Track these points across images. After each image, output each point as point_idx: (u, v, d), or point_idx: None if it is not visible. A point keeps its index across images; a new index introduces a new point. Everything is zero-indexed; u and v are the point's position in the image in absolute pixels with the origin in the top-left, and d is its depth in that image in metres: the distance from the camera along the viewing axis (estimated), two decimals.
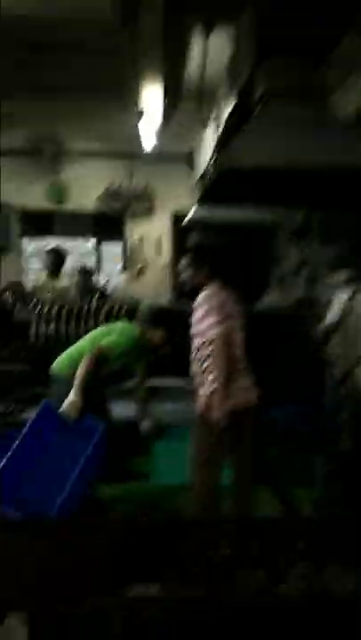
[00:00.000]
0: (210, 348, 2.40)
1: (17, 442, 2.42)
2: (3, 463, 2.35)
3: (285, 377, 3.69)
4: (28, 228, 6.54)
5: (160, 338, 3.02)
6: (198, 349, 2.48)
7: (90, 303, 4.17)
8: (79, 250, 6.54)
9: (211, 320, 2.40)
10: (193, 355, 2.53)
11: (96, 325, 3.64)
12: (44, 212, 6.42)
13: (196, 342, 2.49)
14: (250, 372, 2.55)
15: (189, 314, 2.62)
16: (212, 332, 2.39)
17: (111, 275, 6.66)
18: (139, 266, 6.55)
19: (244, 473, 2.53)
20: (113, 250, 6.69)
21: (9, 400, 3.62)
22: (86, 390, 2.70)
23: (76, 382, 2.67)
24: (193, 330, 2.53)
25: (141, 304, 4.22)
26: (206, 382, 2.40)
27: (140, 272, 6.57)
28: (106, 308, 4.11)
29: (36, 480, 2.36)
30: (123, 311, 4.08)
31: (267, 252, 5.48)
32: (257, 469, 3.09)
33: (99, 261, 6.67)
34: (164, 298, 5.97)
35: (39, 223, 6.49)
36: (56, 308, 4.12)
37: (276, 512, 2.85)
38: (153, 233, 6.53)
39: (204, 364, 2.42)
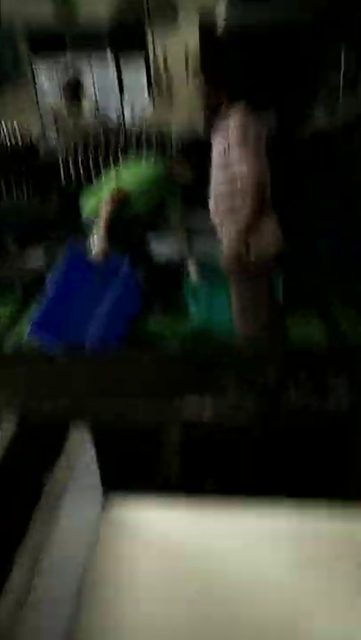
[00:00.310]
0: (237, 192, 2.08)
1: (50, 284, 2.56)
2: (39, 305, 2.52)
3: (333, 206, 3.49)
4: (37, 50, 5.75)
5: (191, 173, 2.79)
6: (221, 193, 2.16)
7: (116, 138, 3.89)
8: (98, 76, 5.89)
9: (241, 157, 2.02)
10: (213, 197, 2.22)
11: (124, 161, 3.46)
12: (53, 30, 5.61)
13: (219, 183, 2.16)
14: (275, 214, 2.25)
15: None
16: (243, 174, 2.03)
17: (136, 101, 6.05)
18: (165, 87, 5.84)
19: (275, 317, 2.43)
20: (136, 73, 5.97)
21: (43, 247, 3.67)
22: (115, 231, 2.68)
23: (100, 225, 2.63)
24: (215, 166, 2.17)
25: (172, 134, 3.90)
26: (232, 230, 2.16)
27: (169, 94, 5.86)
28: (133, 141, 3.83)
29: (71, 314, 2.54)
30: (152, 144, 3.80)
31: (314, 60, 4.72)
32: (303, 296, 3.12)
33: (120, 85, 6.02)
34: (198, 125, 5.44)
35: (50, 43, 5.69)
36: (81, 145, 3.87)
37: (322, 337, 2.96)
38: (179, 45, 5.57)
39: (230, 210, 2.15)
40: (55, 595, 0.56)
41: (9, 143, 4.30)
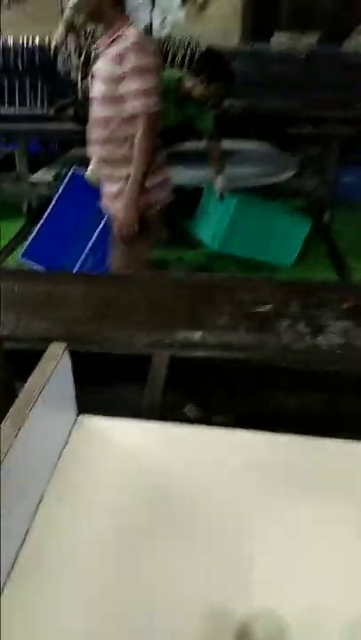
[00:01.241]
0: (129, 127, 1.80)
1: (49, 207, 2.50)
2: (35, 230, 2.49)
3: None
4: None
5: (203, 89, 2.46)
6: (109, 125, 1.84)
7: None
8: None
9: (135, 85, 1.74)
10: (94, 131, 1.91)
11: None
12: None
13: (103, 113, 1.84)
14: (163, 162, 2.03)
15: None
16: (138, 105, 1.75)
17: (168, 10, 5.54)
18: None
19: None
20: None
21: (60, 162, 3.54)
22: None
23: None
24: (98, 92, 1.84)
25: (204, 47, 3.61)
26: (118, 174, 1.91)
27: (204, 5, 5.37)
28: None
29: (63, 242, 2.49)
30: (180, 57, 3.55)
31: None
32: (316, 235, 3.03)
33: None
34: (234, 38, 5.01)
35: None
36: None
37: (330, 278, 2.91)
38: None
39: (120, 150, 1.86)
40: (18, 495, 0.58)
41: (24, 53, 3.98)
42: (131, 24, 1.81)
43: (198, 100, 2.55)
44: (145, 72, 1.74)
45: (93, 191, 2.51)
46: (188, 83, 2.50)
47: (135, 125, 1.79)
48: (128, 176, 1.87)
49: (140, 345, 0.97)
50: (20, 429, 0.59)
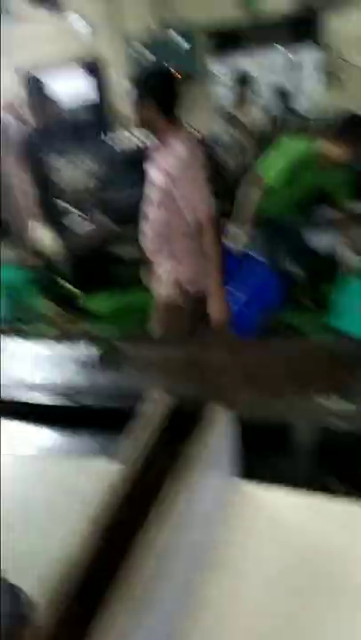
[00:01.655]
0: (181, 227, 1.87)
1: None
2: None
3: None
4: (214, 48, 5.81)
5: (342, 151, 2.46)
6: (162, 229, 1.93)
7: (281, 126, 3.81)
8: (270, 65, 5.80)
9: (198, 195, 1.81)
10: (151, 236, 1.99)
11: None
12: (229, 28, 5.57)
13: (157, 216, 1.92)
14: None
15: None
16: (199, 215, 1.83)
17: (310, 90, 5.80)
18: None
19: None
20: (308, 60, 5.74)
21: None
22: (262, 227, 2.60)
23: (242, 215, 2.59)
24: (152, 202, 1.92)
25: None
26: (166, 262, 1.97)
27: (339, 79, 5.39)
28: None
29: None
30: (317, 127, 3.66)
31: None
32: None
33: (294, 75, 5.83)
34: None
35: (225, 40, 5.72)
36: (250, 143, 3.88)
37: None
38: (353, 30, 5.19)
39: (169, 245, 1.93)
40: (181, 560, 0.59)
41: None
42: (182, 132, 1.89)
43: (338, 165, 2.55)
44: (195, 182, 1.82)
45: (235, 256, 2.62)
46: (327, 146, 2.52)
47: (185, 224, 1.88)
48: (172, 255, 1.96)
49: (285, 412, 0.98)
50: (181, 493, 0.61)
